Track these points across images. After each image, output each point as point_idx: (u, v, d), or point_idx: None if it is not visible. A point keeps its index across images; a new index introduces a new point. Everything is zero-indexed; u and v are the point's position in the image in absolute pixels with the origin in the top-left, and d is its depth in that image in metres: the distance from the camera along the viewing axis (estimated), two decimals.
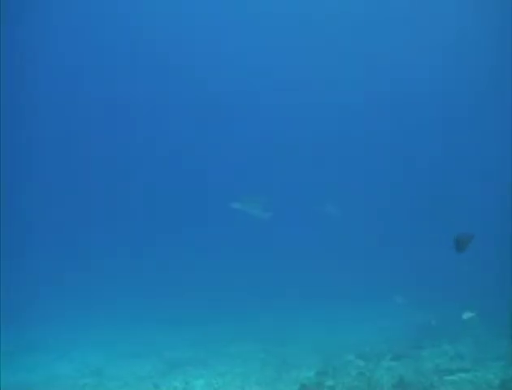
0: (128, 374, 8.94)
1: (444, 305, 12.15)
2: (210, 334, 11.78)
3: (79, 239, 20.68)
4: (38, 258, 18.82)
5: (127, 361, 9.79)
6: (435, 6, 21.97)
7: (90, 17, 22.46)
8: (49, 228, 21.15)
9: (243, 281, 16.20)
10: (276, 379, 8.08)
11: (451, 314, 11.25)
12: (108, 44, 23.48)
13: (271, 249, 18.74)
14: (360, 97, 23.61)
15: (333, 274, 16.10)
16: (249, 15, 24.06)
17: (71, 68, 23.28)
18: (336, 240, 18.76)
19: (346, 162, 23.11)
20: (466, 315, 8.36)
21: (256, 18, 24.08)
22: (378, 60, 23.46)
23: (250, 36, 24.50)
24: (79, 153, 23.48)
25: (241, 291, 15.37)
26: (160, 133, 24.83)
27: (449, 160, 22.29)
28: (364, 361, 8.66)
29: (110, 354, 10.40)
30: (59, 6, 21.14)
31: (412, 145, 22.72)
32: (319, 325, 11.95)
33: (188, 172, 23.95)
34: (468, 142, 22.18)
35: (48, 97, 23.19)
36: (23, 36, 20.81)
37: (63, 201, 22.29)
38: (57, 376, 9.11)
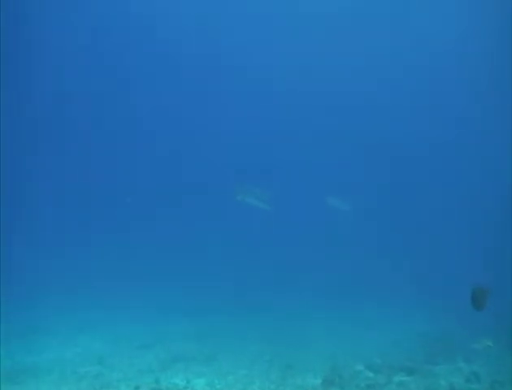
0: (129, 365, 8.74)
1: (458, 314, 11.74)
2: (216, 327, 11.54)
3: (85, 227, 20.69)
4: (47, 242, 18.93)
5: (129, 352, 9.62)
6: (434, 6, 21.47)
7: (90, 16, 22.26)
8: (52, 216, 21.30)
9: (254, 276, 16.01)
10: (280, 385, 7.77)
11: (467, 325, 10.92)
12: (107, 37, 23.28)
13: (283, 246, 18.50)
14: (360, 97, 23.14)
15: (345, 275, 15.87)
16: (249, 14, 23.65)
17: (71, 68, 23.17)
18: (350, 239, 18.53)
19: (348, 160, 22.64)
20: (482, 344, 7.89)
21: (255, 17, 23.68)
22: (378, 59, 22.87)
23: (250, 32, 24.07)
24: (78, 151, 23.43)
25: (252, 285, 15.22)
26: (160, 127, 24.59)
27: (449, 160, 21.82)
28: (374, 373, 8.29)
29: (114, 342, 10.26)
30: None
31: (412, 145, 22.11)
32: (329, 328, 11.58)
33: (189, 166, 23.69)
34: (468, 142, 21.48)
35: (48, 95, 23.13)
36: (23, 35, 20.79)
37: (63, 198, 22.34)
38: (60, 361, 9.01)
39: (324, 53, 23.18)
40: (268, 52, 23.96)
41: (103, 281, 15.57)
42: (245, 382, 7.95)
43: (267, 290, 15.13)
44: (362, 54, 22.87)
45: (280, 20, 23.51)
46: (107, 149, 23.89)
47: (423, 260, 16.78)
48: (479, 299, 5.51)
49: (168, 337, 10.64)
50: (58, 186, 22.76)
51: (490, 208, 18.08)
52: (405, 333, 11.07)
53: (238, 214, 16.04)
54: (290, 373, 8.33)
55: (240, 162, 22.22)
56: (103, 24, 22.91)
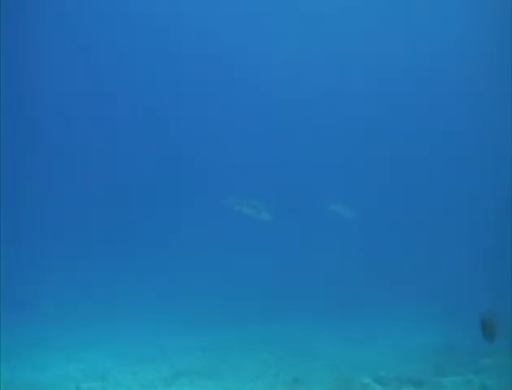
0: (132, 381, 8.61)
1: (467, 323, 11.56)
2: (219, 339, 11.44)
3: (89, 237, 20.58)
4: (49, 253, 18.82)
5: (133, 366, 9.48)
6: (434, 6, 21.60)
7: (89, 14, 22.42)
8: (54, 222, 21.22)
9: (258, 286, 15.91)
10: None
11: (475, 335, 10.74)
12: (106, 34, 23.37)
13: (285, 254, 18.40)
14: (360, 97, 23.10)
15: (351, 284, 15.77)
16: (248, 14, 23.77)
17: (71, 67, 23.25)
18: (353, 246, 18.43)
19: (348, 160, 22.56)
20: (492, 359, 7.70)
21: (254, 16, 23.79)
22: (378, 59, 22.89)
23: (250, 29, 24.12)
24: (78, 150, 23.40)
25: (255, 295, 15.12)
26: (161, 128, 24.50)
27: (449, 160, 21.78)
28: (381, 386, 8.12)
29: (117, 356, 10.14)
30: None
31: (412, 145, 22.07)
32: (334, 340, 11.47)
33: (189, 168, 23.60)
34: (467, 142, 21.42)
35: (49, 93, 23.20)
36: (23, 34, 20.94)
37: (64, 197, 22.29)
38: (63, 377, 8.87)
39: (324, 52, 23.27)
40: (268, 52, 23.96)
41: (104, 292, 15.51)
42: None
43: (271, 300, 14.99)
44: (361, 53, 22.97)
45: (280, 20, 23.63)
46: (108, 150, 23.84)
47: (429, 268, 16.63)
48: (489, 330, 5.34)
49: (171, 350, 10.51)
50: (59, 190, 22.63)
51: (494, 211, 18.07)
52: (412, 345, 10.92)
53: (238, 223, 15.96)
54: (297, 387, 8.20)
55: (241, 165, 22.35)
56: (103, 24, 23.03)
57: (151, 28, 23.63)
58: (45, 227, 20.84)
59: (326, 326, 12.64)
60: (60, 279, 16.97)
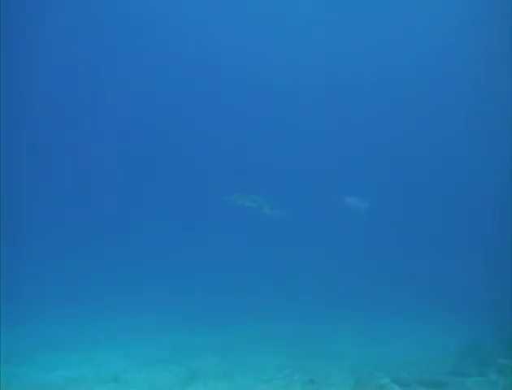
0: (146, 383, 8.47)
1: (489, 320, 11.26)
2: (235, 339, 11.25)
3: (93, 236, 20.56)
4: (54, 252, 18.83)
5: (146, 367, 9.32)
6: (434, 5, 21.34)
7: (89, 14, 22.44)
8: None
9: (271, 284, 15.78)
10: None
11: (500, 331, 10.44)
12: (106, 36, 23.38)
13: (295, 251, 18.19)
14: (359, 97, 22.98)
15: (368, 282, 15.56)
16: (249, 13, 23.61)
17: (71, 67, 23.29)
18: (366, 243, 18.24)
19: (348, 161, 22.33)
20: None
21: (256, 15, 23.62)
22: (377, 57, 22.60)
23: (252, 27, 23.93)
24: (78, 149, 23.39)
25: (267, 293, 14.97)
26: (161, 128, 24.40)
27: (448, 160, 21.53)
28: (401, 387, 7.87)
29: (130, 357, 9.98)
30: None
31: (411, 145, 21.77)
32: (350, 339, 11.19)
33: (189, 169, 23.50)
34: (468, 142, 21.03)
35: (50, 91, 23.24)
36: (23, 33, 21.01)
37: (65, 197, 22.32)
38: (75, 379, 8.76)
39: (323, 52, 23.01)
40: (267, 51, 23.80)
41: (115, 290, 15.38)
42: None
43: (284, 298, 14.81)
44: (361, 53, 22.77)
45: (282, 19, 23.46)
46: (108, 150, 23.81)
47: (446, 263, 16.36)
48: None
49: (185, 351, 10.35)
50: (59, 191, 22.68)
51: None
52: (431, 344, 10.61)
53: (248, 219, 15.77)
54: (313, 388, 7.98)
55: (241, 163, 22.21)
56: (103, 24, 22.97)
57: (151, 27, 23.58)
58: (46, 227, 20.88)
59: (342, 324, 12.36)
60: (68, 278, 16.93)
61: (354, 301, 14.23)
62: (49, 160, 23.15)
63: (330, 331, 11.78)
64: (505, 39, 19.33)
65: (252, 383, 8.37)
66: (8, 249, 17.73)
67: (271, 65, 23.45)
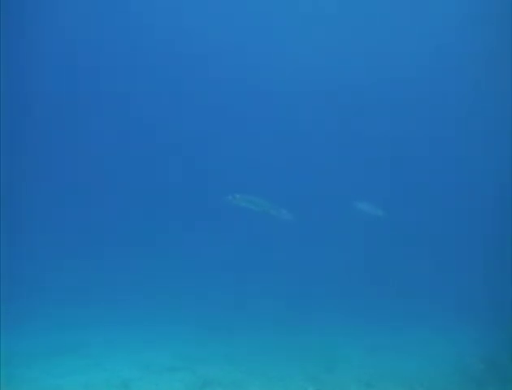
0: None
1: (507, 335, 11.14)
2: (248, 347, 11.17)
3: (100, 237, 20.44)
4: (59, 255, 18.69)
5: (157, 376, 9.29)
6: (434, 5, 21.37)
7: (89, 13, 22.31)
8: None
9: (281, 293, 15.63)
10: None
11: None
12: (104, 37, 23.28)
13: (308, 257, 18.14)
14: (360, 97, 22.98)
15: (380, 291, 15.45)
16: (249, 12, 23.55)
17: (73, 67, 23.15)
18: (377, 251, 18.22)
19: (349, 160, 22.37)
20: None
21: (256, 14, 23.56)
22: (377, 57, 22.63)
23: (253, 27, 23.99)
24: (79, 149, 23.28)
25: (280, 301, 14.83)
26: (162, 125, 24.31)
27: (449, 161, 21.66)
28: None
29: (141, 365, 9.91)
30: None
31: (412, 145, 21.84)
32: (364, 350, 11.12)
33: (191, 169, 23.44)
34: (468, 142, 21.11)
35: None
36: (23, 33, 20.85)
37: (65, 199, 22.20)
38: (87, 385, 8.81)
39: (323, 52, 23.03)
40: (268, 51, 23.81)
41: (126, 295, 15.21)
42: None
43: (295, 307, 14.70)
44: (360, 52, 22.80)
45: (283, 19, 23.42)
46: (108, 150, 23.72)
47: (467, 274, 16.18)
48: None
49: (196, 359, 10.31)
50: (59, 191, 22.51)
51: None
52: (449, 357, 10.48)
53: (260, 226, 15.75)
54: None
55: (241, 163, 22.18)
56: (103, 23, 22.89)
57: (151, 27, 23.52)
58: (46, 227, 20.74)
59: (354, 335, 12.25)
60: (73, 279, 16.74)
61: (365, 311, 14.10)
62: (50, 160, 23.00)
63: (343, 342, 11.66)
64: (505, 39, 19.38)
65: None
66: (8, 248, 17.64)
67: (271, 65, 23.42)
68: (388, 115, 22.31)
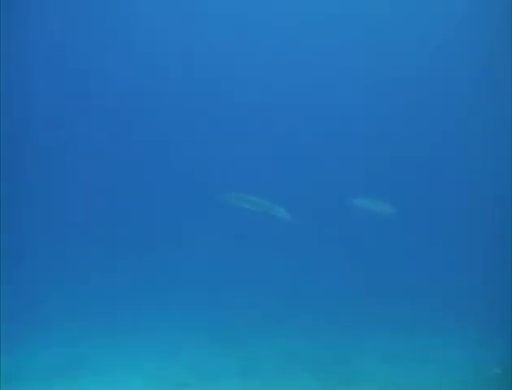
0: None
1: None
2: (258, 358, 10.97)
3: (102, 240, 20.34)
4: (69, 265, 18.52)
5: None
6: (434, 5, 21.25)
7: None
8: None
9: (293, 300, 15.48)
10: None
11: None
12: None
13: (320, 266, 17.85)
14: (360, 98, 22.73)
15: (395, 297, 15.24)
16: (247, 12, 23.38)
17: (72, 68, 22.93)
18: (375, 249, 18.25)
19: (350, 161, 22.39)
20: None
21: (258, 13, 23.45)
22: (377, 57, 22.62)
23: (254, 26, 23.53)
24: (79, 150, 23.06)
25: (292, 310, 14.61)
26: (162, 128, 24.13)
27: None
28: None
29: (154, 380, 9.82)
30: None
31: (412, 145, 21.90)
32: (380, 358, 10.96)
33: (191, 169, 23.32)
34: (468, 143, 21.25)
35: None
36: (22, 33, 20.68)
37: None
38: None
39: (323, 52, 22.87)
40: (267, 51, 23.51)
41: (138, 307, 14.74)
42: None
43: (308, 314, 14.27)
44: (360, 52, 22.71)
45: (283, 19, 23.29)
46: (108, 150, 23.50)
47: (480, 277, 15.92)
48: None
49: (208, 374, 10.17)
50: (59, 191, 22.30)
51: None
52: (465, 363, 10.38)
53: (269, 228, 15.55)
54: None
55: (241, 163, 22.14)
56: (103, 23, 22.62)
57: (151, 27, 23.22)
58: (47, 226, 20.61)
59: (370, 345, 11.88)
60: (74, 289, 16.59)
61: (381, 318, 13.71)
62: (50, 160, 22.84)
63: (358, 352, 11.40)
64: (505, 39, 19.40)
65: None
66: (8, 250, 17.54)
67: (270, 65, 23.27)
68: (387, 115, 22.29)
